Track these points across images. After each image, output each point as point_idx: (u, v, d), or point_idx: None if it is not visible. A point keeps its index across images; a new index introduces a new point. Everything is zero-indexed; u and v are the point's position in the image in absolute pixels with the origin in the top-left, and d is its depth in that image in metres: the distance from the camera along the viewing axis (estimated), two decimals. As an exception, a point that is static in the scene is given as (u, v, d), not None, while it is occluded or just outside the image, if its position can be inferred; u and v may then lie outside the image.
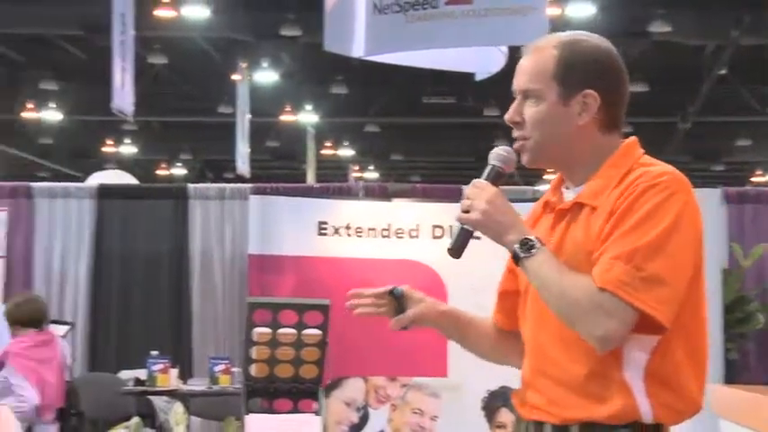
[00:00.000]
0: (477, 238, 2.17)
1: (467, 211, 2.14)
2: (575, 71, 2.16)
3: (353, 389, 6.79)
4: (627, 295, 2.02)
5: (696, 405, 2.13)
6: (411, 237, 6.95)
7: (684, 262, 2.07)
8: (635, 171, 2.13)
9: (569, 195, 2.21)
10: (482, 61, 6.76)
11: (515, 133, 2.22)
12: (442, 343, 6.77)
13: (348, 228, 7.04)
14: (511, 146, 2.24)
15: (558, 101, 2.17)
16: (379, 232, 7.03)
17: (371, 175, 22.85)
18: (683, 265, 2.07)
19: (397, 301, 2.38)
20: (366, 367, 6.82)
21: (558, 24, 10.87)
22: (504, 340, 2.40)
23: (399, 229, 7.00)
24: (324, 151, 20.43)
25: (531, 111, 2.18)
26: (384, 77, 15.09)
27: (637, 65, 14.82)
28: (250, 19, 13.57)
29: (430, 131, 19.59)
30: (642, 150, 2.21)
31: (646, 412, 2.07)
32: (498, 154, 2.21)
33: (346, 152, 21.15)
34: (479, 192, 2.14)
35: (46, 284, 8.01)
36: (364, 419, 6.79)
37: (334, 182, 10.11)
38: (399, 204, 7.28)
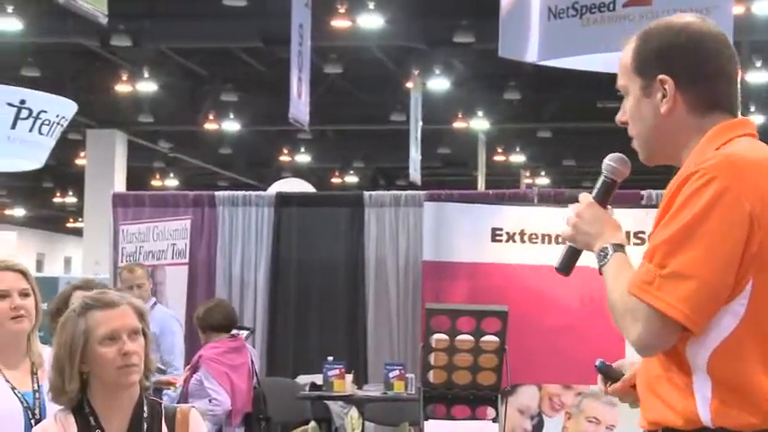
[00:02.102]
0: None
1: None
2: (648, 59, 2.10)
3: (528, 396, 6.73)
4: (645, 295, 1.93)
5: None
6: (586, 243, 6.83)
7: (719, 252, 1.91)
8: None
9: None
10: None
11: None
12: (619, 349, 6.63)
13: (522, 234, 6.99)
14: None
15: (641, 93, 2.11)
16: (553, 239, 6.94)
17: (543, 181, 22.63)
18: (716, 257, 1.91)
19: (604, 374, 2.28)
20: (540, 374, 6.75)
21: (744, 22, 10.50)
22: None
23: (574, 235, 6.89)
24: (495, 158, 20.35)
25: (627, 107, 2.15)
26: (557, 82, 14.92)
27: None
28: (423, 27, 13.67)
29: (603, 136, 19.23)
30: (735, 133, 2.05)
31: (706, 418, 1.95)
32: (607, 165, 2.18)
33: (518, 158, 21.01)
34: (575, 206, 2.16)
35: (226, 290, 8.24)
36: (538, 427, 6.72)
37: (505, 188, 10.06)
38: (574, 210, 7.17)
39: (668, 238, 1.94)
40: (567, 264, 2.17)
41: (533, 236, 6.98)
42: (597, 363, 2.28)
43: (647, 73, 2.09)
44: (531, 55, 6.80)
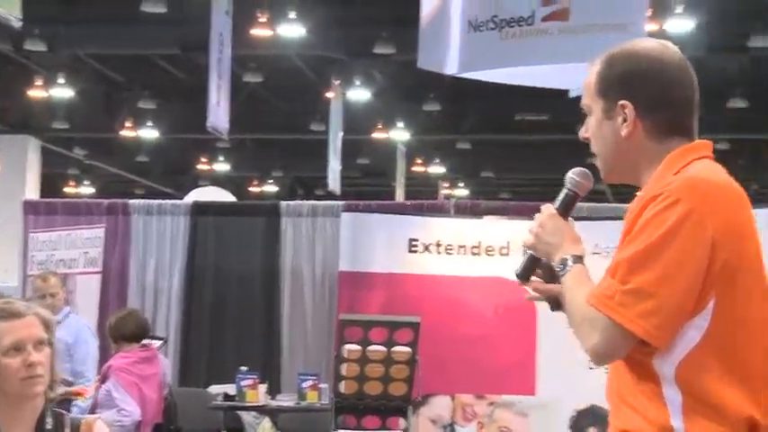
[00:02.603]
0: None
1: None
2: (611, 83, 2.17)
3: (440, 406, 6.75)
4: (606, 309, 2.01)
5: (745, 420, 2.02)
6: (501, 254, 6.91)
7: (681, 273, 2.00)
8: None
9: None
10: (576, 78, 6.69)
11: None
12: (530, 361, 6.70)
13: (438, 245, 7.03)
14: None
15: (602, 115, 2.19)
16: (469, 249, 7.00)
17: (461, 192, 22.79)
18: (679, 277, 2.00)
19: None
20: (453, 385, 6.79)
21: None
22: None
23: (490, 246, 6.96)
24: (414, 168, 20.45)
25: (589, 126, 2.23)
26: (476, 94, 15.05)
27: (735, 81, 14.53)
28: (344, 37, 13.68)
29: (522, 149, 19.48)
30: (694, 156, 2.13)
31: (679, 427, 2.02)
32: (570, 178, 2.24)
33: (437, 169, 21.14)
34: (538, 216, 2.22)
35: (140, 300, 8.15)
36: (451, 438, 6.75)
37: (423, 199, 10.11)
38: (490, 222, 7.24)
39: (631, 257, 2.02)
40: (526, 271, 2.24)
41: (449, 247, 7.02)
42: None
43: (609, 96, 2.16)
44: (451, 67, 6.84)
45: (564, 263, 2.14)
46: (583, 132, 2.23)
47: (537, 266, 2.23)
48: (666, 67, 2.15)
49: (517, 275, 2.24)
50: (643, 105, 2.14)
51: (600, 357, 2.06)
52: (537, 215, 2.22)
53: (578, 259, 2.14)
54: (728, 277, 2.03)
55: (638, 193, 2.18)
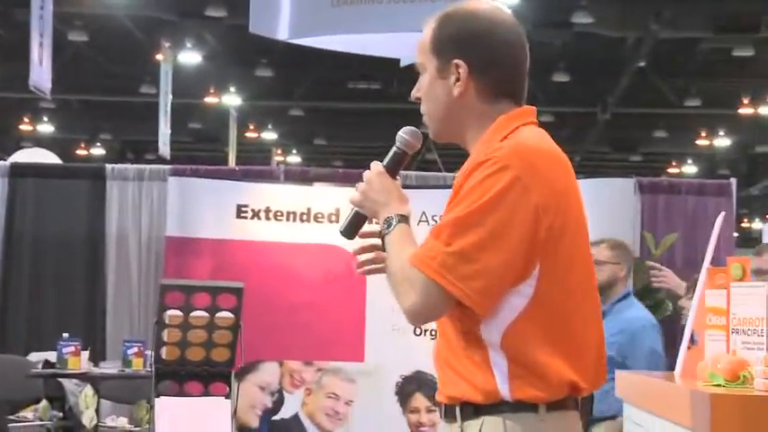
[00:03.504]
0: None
1: None
2: (445, 42, 2.17)
3: (268, 373, 6.75)
4: (427, 269, 2.02)
5: (567, 384, 2.08)
6: (330, 221, 6.93)
7: (505, 239, 2.01)
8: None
9: None
10: (408, 47, 6.75)
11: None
12: (359, 328, 6.77)
13: (267, 211, 7.00)
14: None
15: (436, 74, 2.19)
16: (298, 216, 6.99)
17: (294, 159, 22.75)
18: (501, 243, 2.01)
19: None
20: (282, 351, 6.80)
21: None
22: None
23: (319, 213, 6.97)
24: (247, 134, 20.27)
25: (422, 85, 2.22)
26: (309, 61, 15.01)
27: (559, 55, 14.97)
28: (175, -2, 13.40)
29: (354, 117, 19.57)
30: (521, 122, 2.15)
31: (505, 391, 2.05)
32: (400, 136, 2.23)
33: (270, 135, 21.02)
34: (366, 173, 2.20)
35: (-49, 265, 7.81)
36: (279, 403, 6.77)
37: (255, 165, 10.03)
38: (320, 189, 7.25)
39: (455, 220, 2.01)
40: (351, 228, 2.20)
41: (278, 213, 7.00)
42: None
43: (443, 55, 2.16)
44: (282, 33, 6.78)
45: (389, 222, 2.13)
46: (415, 92, 2.23)
47: (363, 223, 2.21)
48: (498, 29, 2.17)
49: (341, 232, 2.22)
50: (475, 65, 2.14)
51: (416, 317, 2.06)
52: (365, 172, 2.20)
53: (404, 219, 2.13)
54: (553, 244, 2.05)
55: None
